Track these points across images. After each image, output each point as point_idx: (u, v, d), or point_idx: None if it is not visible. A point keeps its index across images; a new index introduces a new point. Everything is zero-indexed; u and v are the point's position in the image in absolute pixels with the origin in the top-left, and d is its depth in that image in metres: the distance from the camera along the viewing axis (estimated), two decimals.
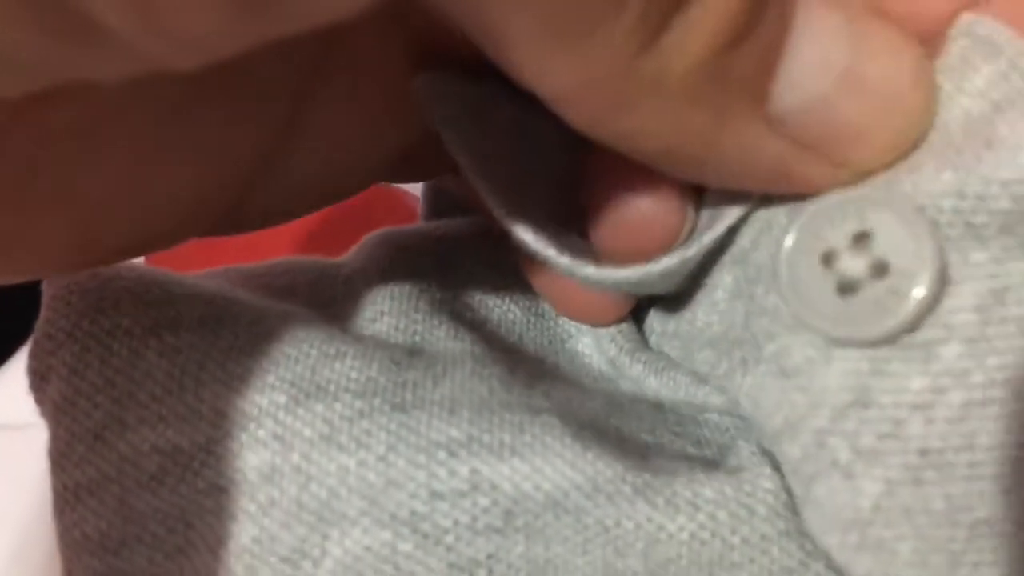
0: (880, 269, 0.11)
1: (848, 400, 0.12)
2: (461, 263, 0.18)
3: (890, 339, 0.12)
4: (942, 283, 0.11)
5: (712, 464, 0.14)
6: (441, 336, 0.16)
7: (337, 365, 0.14)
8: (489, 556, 0.13)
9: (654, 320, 0.16)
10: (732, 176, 0.12)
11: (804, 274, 0.12)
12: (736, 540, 0.13)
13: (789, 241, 0.12)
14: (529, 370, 0.16)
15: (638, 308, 0.16)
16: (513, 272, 0.17)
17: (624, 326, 0.16)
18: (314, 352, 0.14)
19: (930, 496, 0.12)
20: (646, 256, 0.13)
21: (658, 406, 0.16)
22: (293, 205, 0.15)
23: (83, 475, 0.14)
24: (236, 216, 0.15)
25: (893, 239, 0.11)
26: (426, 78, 0.14)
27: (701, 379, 0.15)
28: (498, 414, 0.14)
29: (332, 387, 0.14)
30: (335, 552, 0.13)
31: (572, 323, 0.17)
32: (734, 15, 0.10)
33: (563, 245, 0.13)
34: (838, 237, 0.12)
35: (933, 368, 0.11)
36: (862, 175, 0.12)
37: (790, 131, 0.11)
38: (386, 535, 0.13)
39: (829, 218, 0.12)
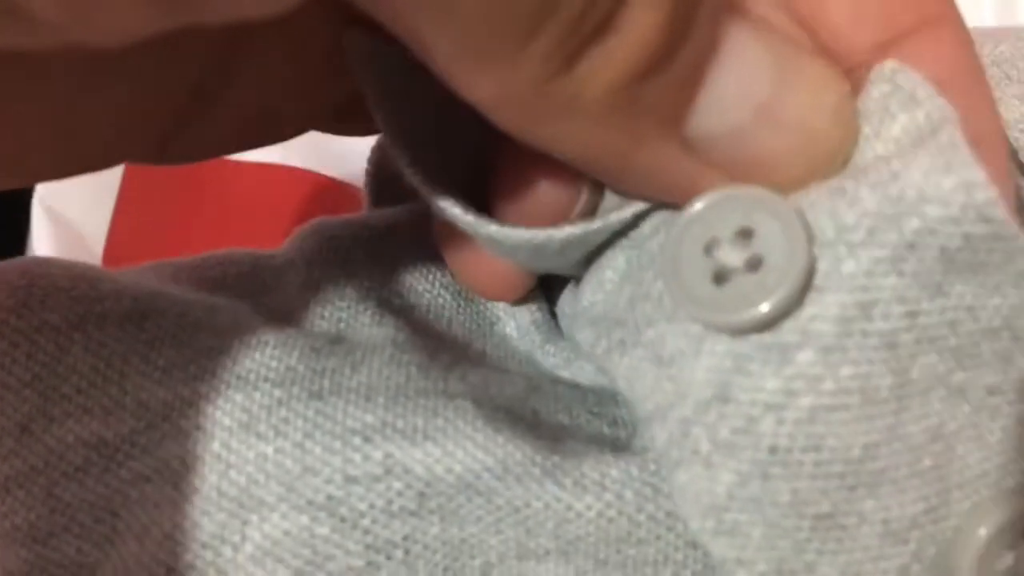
0: (755, 264, 0.12)
1: (710, 394, 0.12)
2: (392, 251, 0.18)
3: (750, 330, 0.12)
4: (806, 286, 0.12)
5: (623, 446, 0.15)
6: (365, 323, 0.16)
7: (257, 355, 0.14)
8: (405, 538, 0.14)
9: (564, 304, 0.17)
10: (645, 189, 0.13)
11: (685, 259, 0.12)
12: (642, 517, 0.14)
13: (679, 228, 0.12)
14: (452, 354, 0.16)
15: (553, 291, 0.17)
16: (441, 258, 0.17)
17: (540, 315, 0.17)
18: (235, 342, 0.15)
19: (777, 490, 0.12)
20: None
21: (578, 387, 0.16)
22: (227, 142, 0.16)
23: (11, 468, 0.14)
24: (170, 146, 0.15)
25: (771, 239, 0.12)
26: (354, 35, 0.14)
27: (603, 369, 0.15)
28: (413, 400, 0.14)
29: (252, 376, 0.14)
30: (254, 537, 0.14)
31: (499, 308, 0.17)
32: (651, 47, 0.10)
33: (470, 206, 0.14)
34: (723, 229, 0.12)
35: (786, 371, 0.12)
36: None
37: (705, 156, 0.12)
38: (304, 519, 0.14)
39: (720, 211, 0.12)
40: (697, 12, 0.11)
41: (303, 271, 0.17)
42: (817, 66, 0.12)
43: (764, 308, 0.11)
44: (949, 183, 0.11)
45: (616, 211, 0.13)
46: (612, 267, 0.14)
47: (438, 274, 0.18)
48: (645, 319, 0.13)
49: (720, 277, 0.12)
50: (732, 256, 0.12)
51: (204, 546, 0.14)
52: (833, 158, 0.12)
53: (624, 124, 0.11)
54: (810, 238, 0.11)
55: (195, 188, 0.44)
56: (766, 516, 0.12)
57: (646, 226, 0.13)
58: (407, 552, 0.14)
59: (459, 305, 0.17)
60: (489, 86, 0.10)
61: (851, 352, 0.12)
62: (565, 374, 0.16)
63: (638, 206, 0.13)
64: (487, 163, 0.15)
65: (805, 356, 0.12)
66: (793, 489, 0.12)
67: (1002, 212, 0.11)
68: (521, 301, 0.17)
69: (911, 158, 0.11)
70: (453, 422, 0.14)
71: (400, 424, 0.14)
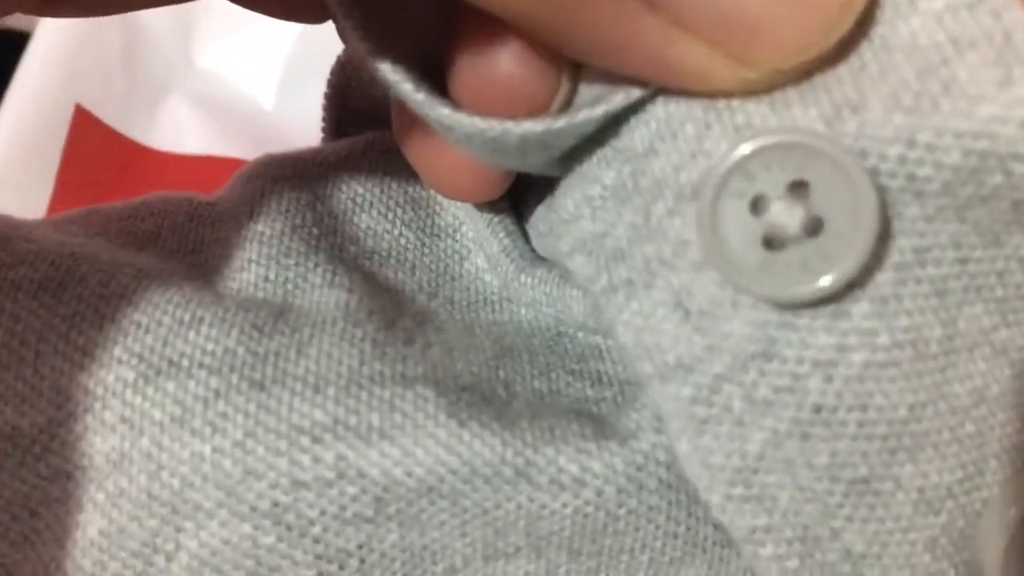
0: (814, 226, 0.10)
1: (752, 351, 0.11)
2: (348, 189, 0.16)
3: (807, 305, 0.11)
4: (876, 253, 0.10)
5: (605, 422, 0.13)
6: (316, 283, 0.14)
7: (192, 335, 0.13)
8: (360, 546, 0.12)
9: (538, 220, 0.15)
10: (602, 54, 0.11)
11: (728, 218, 0.11)
12: (622, 512, 0.13)
13: (716, 179, 0.11)
14: (414, 315, 0.14)
15: (525, 205, 0.15)
16: (404, 190, 0.16)
17: (510, 240, 0.15)
18: (167, 319, 0.13)
19: (816, 451, 0.11)
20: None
21: (557, 338, 0.15)
22: None
23: None
24: None
25: (831, 194, 0.10)
26: None
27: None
28: (367, 390, 0.13)
29: (185, 362, 0.13)
30: (190, 546, 0.12)
31: (468, 239, 0.16)
32: None
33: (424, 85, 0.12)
34: (773, 183, 0.10)
35: (841, 326, 0.11)
36: (771, 76, 0.10)
37: (673, 15, 0.10)
38: (246, 528, 0.12)
39: (766, 162, 0.10)
40: None
41: (245, 223, 0.15)
42: None
43: (825, 283, 0.10)
44: None
45: (586, 108, 0.12)
46: (600, 182, 0.12)
47: (399, 211, 0.16)
48: (660, 261, 0.11)
49: (772, 243, 0.10)
50: (786, 218, 0.10)
51: (134, 555, 0.12)
52: (834, 24, 0.10)
53: None
54: (875, 191, 0.10)
55: (132, 180, 0.43)
56: (797, 479, 0.11)
57: (636, 137, 0.12)
58: (362, 561, 0.12)
59: (423, 244, 0.16)
60: None
61: (905, 302, 0.11)
62: (547, 312, 0.15)
63: (610, 106, 0.11)
64: (446, 36, 0.13)
65: (861, 308, 0.11)
66: (833, 451, 0.11)
67: None
68: (487, 223, 0.15)
69: (974, 70, 0.10)
70: (412, 417, 0.12)
71: (353, 421, 0.12)
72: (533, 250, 0.15)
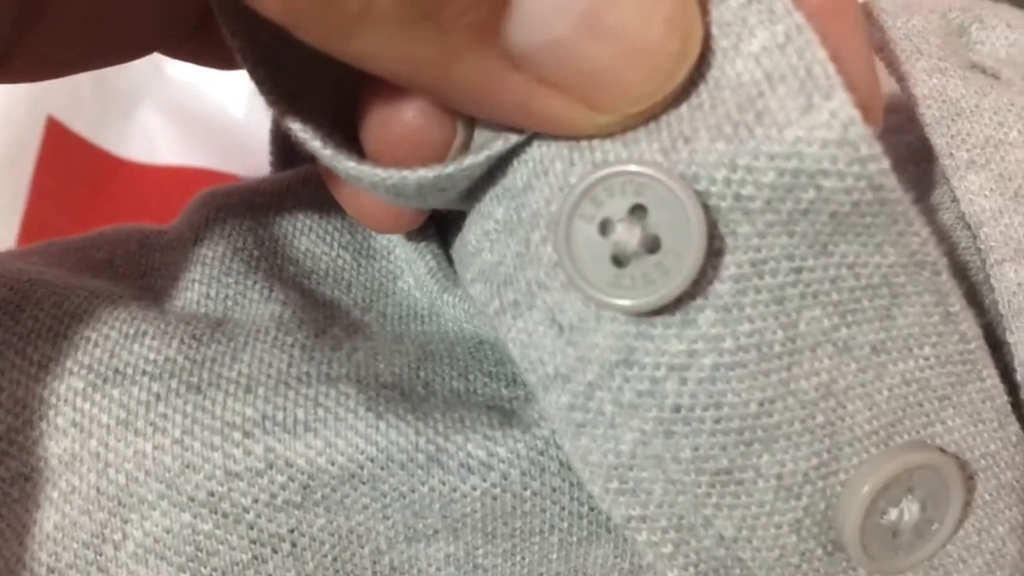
0: (653, 244, 0.12)
1: (615, 359, 0.12)
2: (288, 215, 0.18)
3: (652, 313, 0.12)
4: (706, 264, 0.12)
5: (513, 414, 0.15)
6: (254, 298, 0.16)
7: (135, 347, 0.14)
8: (291, 531, 0.14)
9: (456, 247, 0.16)
10: (475, 107, 0.12)
11: (580, 239, 0.12)
12: (527, 494, 0.14)
13: (571, 201, 0.12)
14: (345, 325, 0.16)
15: (449, 233, 0.17)
16: (342, 216, 0.17)
17: (435, 263, 0.17)
18: (113, 334, 0.14)
19: (679, 446, 0.12)
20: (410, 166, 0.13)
21: (478, 345, 0.16)
22: (68, 55, 0.15)
23: None
24: (9, 60, 0.14)
25: (665, 216, 0.12)
26: None
27: None
28: (294, 388, 0.14)
29: (130, 370, 0.14)
30: (136, 535, 0.14)
31: (400, 260, 0.17)
32: None
33: (332, 140, 0.13)
34: (616, 208, 0.12)
35: (690, 333, 0.12)
36: (624, 119, 0.12)
37: (532, 71, 0.11)
38: (186, 516, 0.14)
39: (608, 188, 0.12)
40: None
41: (190, 247, 0.17)
42: None
43: (664, 292, 0.12)
44: (844, 156, 0.11)
45: (471, 155, 0.13)
46: (493, 217, 0.14)
47: (336, 235, 0.17)
48: (537, 284, 0.13)
49: (619, 259, 0.12)
50: (627, 238, 0.12)
51: (85, 545, 0.14)
52: (672, 73, 0.12)
53: (431, 35, 0.11)
54: (703, 211, 0.12)
55: (106, 191, 0.44)
56: (667, 473, 0.13)
57: (517, 176, 0.13)
58: (294, 545, 0.14)
59: (359, 264, 0.17)
60: (280, 4, 0.10)
61: (747, 309, 0.12)
62: (467, 327, 0.16)
63: (492, 151, 0.13)
64: (355, 94, 0.14)
65: (706, 317, 0.12)
66: (694, 445, 0.12)
67: (892, 181, 0.12)
68: (416, 248, 0.17)
69: (783, 100, 0.11)
70: (334, 411, 0.14)
71: (280, 416, 0.14)
72: (455, 272, 0.17)
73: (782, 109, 0.11)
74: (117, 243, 0.17)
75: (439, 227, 0.17)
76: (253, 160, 0.40)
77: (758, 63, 0.12)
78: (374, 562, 0.14)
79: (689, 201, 0.12)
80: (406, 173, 0.13)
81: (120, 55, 0.16)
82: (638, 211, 0.12)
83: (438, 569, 0.15)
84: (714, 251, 0.12)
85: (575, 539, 0.15)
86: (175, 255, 0.17)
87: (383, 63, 0.11)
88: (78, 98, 0.43)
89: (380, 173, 0.13)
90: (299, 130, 0.13)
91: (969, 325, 0.13)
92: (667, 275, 0.12)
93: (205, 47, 0.17)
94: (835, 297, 0.12)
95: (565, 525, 0.14)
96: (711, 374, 0.12)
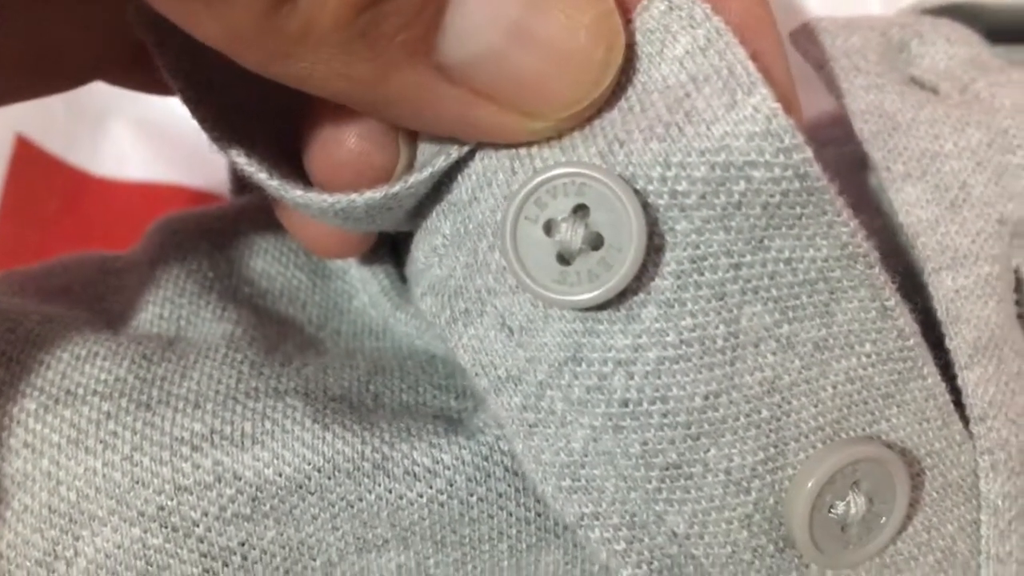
0: (595, 242, 0.13)
1: (564, 356, 0.13)
2: (244, 238, 0.18)
3: (600, 308, 0.13)
4: (648, 261, 0.13)
5: (460, 423, 0.15)
6: (207, 317, 0.16)
7: (87, 367, 0.15)
8: (242, 543, 0.14)
9: (408, 265, 0.17)
10: (415, 121, 0.13)
11: (528, 242, 0.13)
12: (474, 500, 0.15)
13: (514, 208, 0.13)
14: (297, 342, 0.17)
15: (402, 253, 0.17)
16: None
17: (388, 281, 0.17)
18: (65, 356, 0.15)
19: (629, 441, 0.13)
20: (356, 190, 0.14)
21: (430, 360, 0.17)
22: (5, 86, 0.16)
23: None
24: None
25: (606, 214, 0.12)
26: (142, 9, 0.15)
27: None
28: (242, 403, 0.15)
29: (80, 391, 0.15)
30: (87, 552, 0.14)
31: (355, 280, 0.18)
32: None
33: (278, 171, 0.14)
34: (559, 208, 0.13)
35: (634, 328, 0.13)
36: (557, 124, 0.13)
37: (467, 83, 0.12)
38: (136, 531, 0.14)
39: (551, 190, 0.13)
40: None
41: (145, 270, 0.18)
42: None
43: (609, 286, 0.12)
44: (770, 147, 0.12)
45: (415, 173, 0.14)
46: (441, 233, 0.15)
47: (292, 256, 0.18)
48: (487, 290, 0.14)
49: (563, 257, 0.13)
50: (572, 236, 0.13)
51: (38, 563, 0.14)
52: (599, 78, 0.12)
53: (367, 53, 0.11)
54: (645, 208, 0.12)
55: (77, 208, 0.44)
56: (618, 468, 0.13)
57: (462, 190, 0.14)
58: (244, 558, 0.14)
59: (315, 284, 0.18)
60: (215, 25, 0.11)
61: (688, 305, 0.13)
62: (419, 343, 0.17)
63: (433, 168, 0.14)
64: (296, 125, 0.15)
65: (649, 312, 0.13)
66: (643, 440, 0.13)
67: (816, 170, 0.12)
68: (370, 268, 0.18)
69: (708, 99, 0.12)
70: (281, 424, 0.15)
71: (228, 431, 0.14)
72: (408, 291, 0.17)
73: (708, 107, 0.12)
74: (75, 270, 0.18)
75: (394, 247, 0.18)
76: (224, 176, 0.40)
77: (682, 66, 0.13)
78: (326, 574, 0.15)
79: (628, 199, 0.12)
80: (353, 196, 0.14)
81: (58, 85, 0.16)
82: (580, 211, 0.13)
83: None
84: (655, 248, 0.13)
85: (524, 546, 0.15)
86: (131, 278, 0.18)
87: (322, 83, 0.12)
88: (48, 115, 0.43)
89: (327, 199, 0.14)
90: (244, 164, 0.14)
91: (906, 321, 0.14)
92: (610, 270, 0.12)
93: (147, 75, 0.18)
94: (775, 293, 0.13)
95: (513, 532, 0.15)
96: (656, 368, 0.13)
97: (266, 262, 0.18)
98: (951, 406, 0.15)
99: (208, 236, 0.18)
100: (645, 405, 0.13)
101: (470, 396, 0.16)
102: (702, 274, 0.13)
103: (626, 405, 0.13)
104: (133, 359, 0.15)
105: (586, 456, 0.13)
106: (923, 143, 0.16)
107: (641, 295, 0.13)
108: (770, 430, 0.13)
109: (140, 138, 0.44)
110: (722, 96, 0.12)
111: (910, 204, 0.16)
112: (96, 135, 0.44)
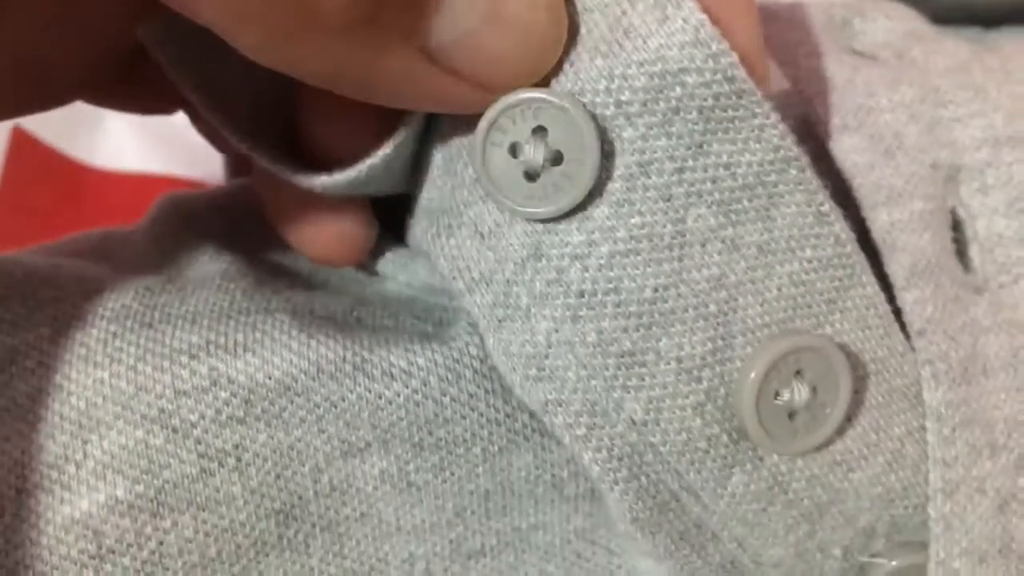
0: (556, 157, 0.14)
1: (526, 254, 0.15)
2: (240, 207, 0.20)
3: (564, 216, 0.15)
4: (601, 167, 0.14)
5: (433, 336, 0.17)
6: (204, 260, 0.18)
7: (95, 298, 0.17)
8: (236, 446, 0.16)
9: (410, 233, 0.19)
10: (396, 100, 0.14)
11: (497, 162, 0.14)
12: (446, 400, 0.16)
13: (481, 134, 0.14)
14: (287, 282, 0.18)
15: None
16: None
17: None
18: (75, 290, 0.17)
19: (586, 331, 0.15)
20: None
21: (411, 299, 0.18)
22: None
23: None
24: None
25: (562, 131, 0.14)
26: (151, 26, 0.16)
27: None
28: (235, 319, 0.16)
29: (89, 317, 0.16)
30: (95, 454, 0.16)
31: None
32: None
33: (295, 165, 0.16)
34: (520, 132, 0.14)
35: (587, 226, 0.14)
36: (502, 92, 0.14)
37: (446, 63, 0.13)
38: (139, 433, 0.16)
39: (511, 116, 0.14)
40: None
41: (148, 231, 0.19)
42: None
43: (572, 195, 0.14)
44: (699, 54, 0.14)
45: (402, 128, 0.15)
46: (434, 164, 0.16)
47: None
48: (463, 202, 0.15)
49: (530, 175, 0.14)
50: (534, 156, 0.14)
51: (50, 466, 0.16)
52: (552, 47, 0.14)
53: (367, 38, 0.13)
54: (594, 121, 0.14)
55: (75, 200, 0.45)
56: (578, 357, 0.15)
57: (443, 123, 0.16)
58: (239, 460, 0.16)
59: None
60: (221, 5, 0.12)
61: (636, 204, 0.14)
62: (401, 277, 0.19)
63: (415, 121, 0.15)
64: (295, 119, 0.17)
65: (601, 211, 0.14)
66: (599, 329, 0.15)
67: (742, 72, 0.14)
68: None
69: (642, 15, 0.14)
70: (270, 334, 0.16)
71: (223, 340, 0.16)
72: (394, 240, 0.19)
73: (643, 23, 0.14)
74: (83, 240, 0.20)
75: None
76: (218, 167, 0.42)
77: None
78: (315, 480, 0.16)
79: (578, 114, 0.14)
80: (369, 160, 0.15)
81: (40, 105, 0.17)
82: (540, 132, 0.14)
83: (375, 488, 0.17)
84: (606, 154, 0.14)
85: (496, 448, 0.17)
86: (134, 237, 0.20)
87: (314, 67, 0.13)
88: None
89: (350, 173, 0.16)
90: (268, 163, 0.16)
91: (842, 227, 0.15)
92: (572, 181, 0.14)
93: (129, 96, 0.19)
94: (717, 196, 0.15)
95: (485, 433, 0.17)
96: (608, 261, 0.14)
97: (263, 226, 0.20)
98: (892, 317, 0.16)
99: (207, 205, 0.20)
100: (599, 296, 0.15)
101: (446, 323, 0.18)
102: (649, 177, 0.14)
103: (582, 296, 0.15)
104: (137, 291, 0.17)
105: (549, 347, 0.15)
106: (859, 99, 0.18)
107: (595, 197, 0.14)
108: (718, 323, 0.15)
109: (136, 130, 0.45)
110: (654, 12, 0.14)
111: (847, 151, 0.17)
112: (93, 127, 0.45)
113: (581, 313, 0.15)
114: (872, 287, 0.16)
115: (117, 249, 0.19)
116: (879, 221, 0.17)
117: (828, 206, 0.15)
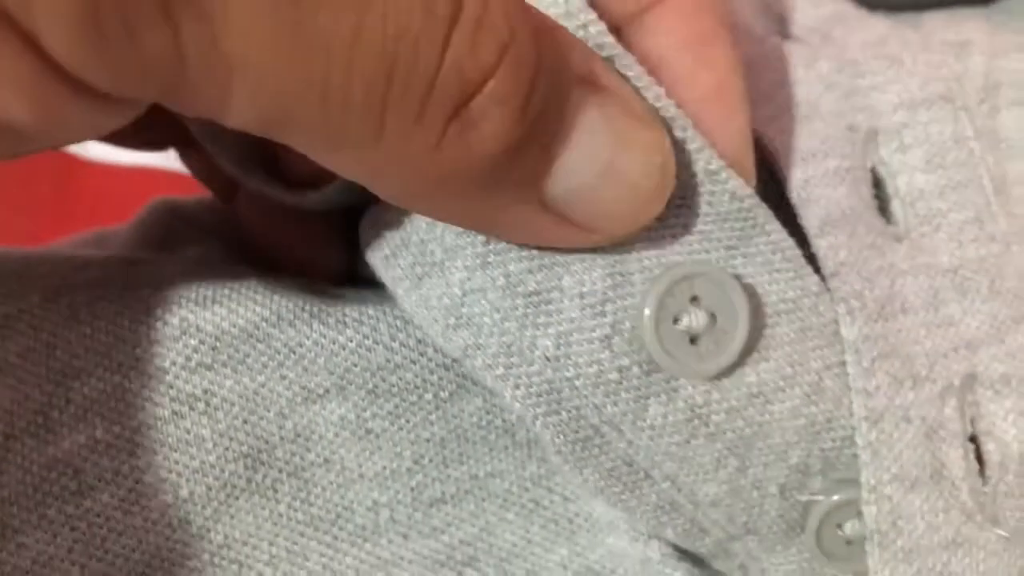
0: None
1: None
2: (220, 212, 0.22)
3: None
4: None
5: (386, 298, 0.19)
6: (188, 247, 0.20)
7: (82, 271, 0.18)
8: (205, 391, 0.17)
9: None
10: (501, 236, 0.16)
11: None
12: (396, 345, 0.18)
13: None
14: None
15: None
16: None
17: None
18: (66, 265, 0.19)
19: (495, 275, 0.16)
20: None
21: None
22: None
23: None
24: None
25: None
26: None
27: None
28: (206, 278, 0.18)
29: (77, 284, 0.18)
30: (76, 400, 0.17)
31: None
32: (511, 136, 0.13)
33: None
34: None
35: None
36: (614, 239, 0.16)
37: (559, 212, 0.15)
38: (116, 379, 0.17)
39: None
40: (548, 94, 0.13)
41: (138, 223, 0.22)
42: (647, 132, 0.15)
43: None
44: (571, 26, 0.15)
45: None
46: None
47: None
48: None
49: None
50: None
51: (36, 413, 0.17)
52: (657, 209, 0.15)
53: (491, 195, 0.14)
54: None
55: (68, 192, 0.46)
56: (491, 301, 0.16)
57: None
58: (207, 404, 0.17)
59: None
60: (358, 166, 0.13)
61: None
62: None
63: None
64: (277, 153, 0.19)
65: None
66: (506, 272, 0.16)
67: (611, 40, 0.15)
68: None
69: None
70: (237, 289, 0.18)
71: (193, 295, 0.18)
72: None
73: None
74: (77, 240, 0.22)
75: None
76: None
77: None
78: (280, 426, 0.18)
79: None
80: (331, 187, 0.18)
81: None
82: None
83: (335, 435, 0.18)
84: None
85: (447, 393, 0.18)
86: (120, 232, 0.21)
87: (441, 217, 0.16)
88: None
89: (330, 189, 0.18)
90: (263, 187, 0.18)
91: (737, 184, 0.17)
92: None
93: (121, 136, 0.21)
94: None
95: (435, 378, 0.18)
96: None
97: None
98: (802, 260, 0.17)
99: (197, 203, 0.22)
100: (504, 242, 0.16)
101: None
102: None
103: (488, 244, 0.16)
104: (120, 264, 0.19)
105: (464, 295, 0.16)
106: (775, 75, 0.19)
107: None
108: (615, 261, 0.16)
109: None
110: None
111: (766, 122, 0.18)
112: None
113: (489, 259, 0.16)
114: (778, 234, 0.17)
115: (109, 238, 0.21)
116: (795, 179, 0.18)
117: (716, 165, 0.16)
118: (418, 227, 0.16)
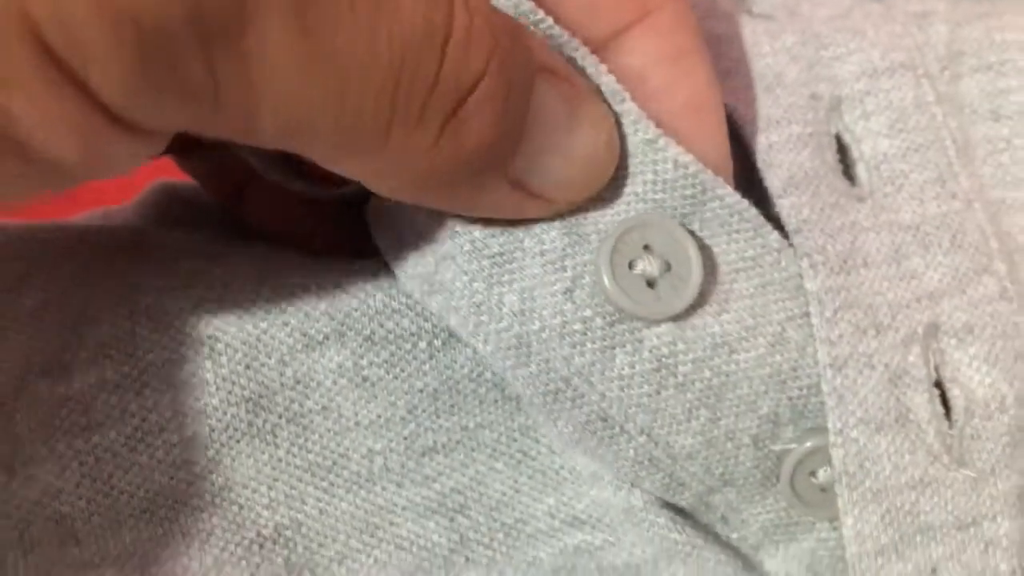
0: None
1: None
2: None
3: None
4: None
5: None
6: (186, 229, 0.22)
7: (93, 234, 0.20)
8: (210, 336, 0.19)
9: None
10: (469, 212, 0.17)
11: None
12: (394, 291, 0.19)
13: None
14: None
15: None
16: None
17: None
18: (75, 232, 0.20)
19: (462, 242, 0.17)
20: None
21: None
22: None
23: None
24: None
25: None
26: None
27: None
28: (211, 242, 0.20)
29: (89, 242, 0.20)
30: (89, 344, 0.18)
31: None
32: (497, 131, 0.15)
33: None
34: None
35: None
36: (568, 207, 0.17)
37: (523, 186, 0.16)
38: (127, 324, 0.19)
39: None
40: (522, 87, 0.15)
41: (139, 203, 0.23)
42: (594, 108, 0.17)
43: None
44: (514, 10, 0.16)
45: None
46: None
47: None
48: None
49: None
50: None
51: (51, 356, 0.18)
52: (606, 177, 0.17)
53: (471, 181, 0.16)
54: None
55: (70, 192, 0.48)
56: (460, 266, 0.17)
57: None
58: (212, 348, 0.18)
59: None
60: (362, 168, 0.15)
61: None
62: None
63: None
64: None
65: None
66: (471, 239, 0.17)
67: (541, 16, 0.16)
68: None
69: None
70: (239, 245, 0.20)
71: (199, 250, 0.20)
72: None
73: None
74: (84, 216, 0.23)
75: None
76: None
77: None
78: (280, 373, 0.19)
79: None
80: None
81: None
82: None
83: (333, 382, 0.19)
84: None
85: (440, 342, 0.19)
86: (125, 210, 0.23)
87: (427, 204, 0.17)
88: None
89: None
90: (282, 180, 0.20)
91: (678, 152, 0.18)
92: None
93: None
94: None
95: (429, 326, 0.19)
96: None
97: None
98: (762, 219, 0.18)
99: (197, 189, 0.23)
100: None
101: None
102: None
103: (454, 219, 0.17)
104: (128, 231, 0.20)
105: (437, 264, 0.18)
106: (741, 50, 0.20)
107: None
108: (573, 225, 0.17)
109: None
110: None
111: (729, 92, 0.19)
112: None
113: (457, 229, 0.17)
114: (731, 197, 0.18)
115: (114, 215, 0.23)
116: (759, 145, 0.19)
117: (653, 134, 0.17)
118: (404, 211, 0.18)
